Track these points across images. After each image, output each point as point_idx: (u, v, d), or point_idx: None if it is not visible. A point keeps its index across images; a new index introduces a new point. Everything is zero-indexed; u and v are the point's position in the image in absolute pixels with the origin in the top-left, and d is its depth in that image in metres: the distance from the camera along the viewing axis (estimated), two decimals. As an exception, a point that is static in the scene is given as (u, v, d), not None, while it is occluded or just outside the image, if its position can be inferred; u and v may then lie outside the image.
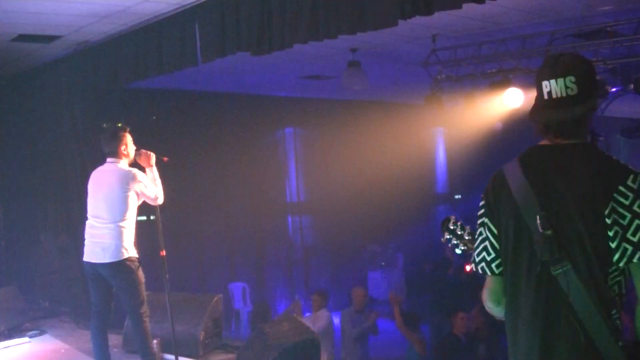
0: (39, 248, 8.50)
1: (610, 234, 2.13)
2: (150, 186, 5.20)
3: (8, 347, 6.54)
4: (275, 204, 11.77)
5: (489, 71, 7.68)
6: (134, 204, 5.14)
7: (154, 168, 5.32)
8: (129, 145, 5.25)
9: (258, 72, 9.07)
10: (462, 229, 2.78)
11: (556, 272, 2.16)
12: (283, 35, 5.14)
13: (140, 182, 5.12)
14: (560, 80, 2.26)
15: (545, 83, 2.29)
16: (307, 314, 8.49)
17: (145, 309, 5.14)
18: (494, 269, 2.37)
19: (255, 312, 10.34)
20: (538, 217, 2.20)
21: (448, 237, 2.81)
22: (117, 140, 5.20)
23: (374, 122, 11.94)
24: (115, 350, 5.98)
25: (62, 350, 6.53)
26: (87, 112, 7.55)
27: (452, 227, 2.80)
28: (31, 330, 7.06)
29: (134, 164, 5.30)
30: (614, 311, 2.16)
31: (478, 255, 2.41)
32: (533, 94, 2.39)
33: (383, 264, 12.58)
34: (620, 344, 2.12)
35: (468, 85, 8.03)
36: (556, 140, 2.29)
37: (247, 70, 8.80)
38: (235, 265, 10.52)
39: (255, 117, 10.97)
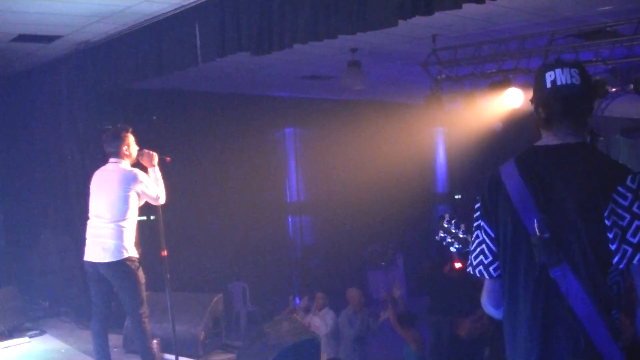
0: (39, 248, 8.50)
1: (610, 235, 2.12)
2: (151, 186, 5.20)
3: (8, 347, 6.53)
4: (275, 204, 11.77)
5: (489, 71, 7.68)
6: (135, 204, 5.14)
7: (156, 168, 5.32)
8: (131, 145, 5.26)
9: (258, 72, 9.08)
10: (457, 226, 2.75)
11: (555, 274, 2.15)
12: (283, 35, 5.14)
13: (141, 182, 5.13)
14: (566, 70, 2.29)
15: (549, 73, 2.30)
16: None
17: (145, 309, 5.14)
18: (492, 272, 2.35)
19: (255, 312, 10.37)
20: (536, 219, 2.19)
21: (443, 235, 2.78)
22: (119, 140, 5.21)
23: (374, 122, 11.95)
24: (115, 350, 5.97)
25: (62, 350, 6.53)
26: (87, 112, 7.54)
27: (446, 225, 2.77)
28: (31, 330, 7.06)
29: (137, 164, 5.31)
30: (614, 312, 2.15)
31: (475, 258, 2.39)
32: (533, 94, 2.40)
33: (383, 264, 12.57)
34: (620, 345, 2.11)
35: (468, 85, 8.03)
36: (556, 134, 2.28)
37: (247, 70, 8.81)
38: (235, 265, 10.52)
39: (255, 117, 10.97)
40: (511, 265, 2.28)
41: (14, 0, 5.57)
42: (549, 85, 2.29)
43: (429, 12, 4.31)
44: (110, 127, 5.34)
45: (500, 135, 10.15)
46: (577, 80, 2.27)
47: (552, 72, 2.29)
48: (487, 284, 2.40)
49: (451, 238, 2.74)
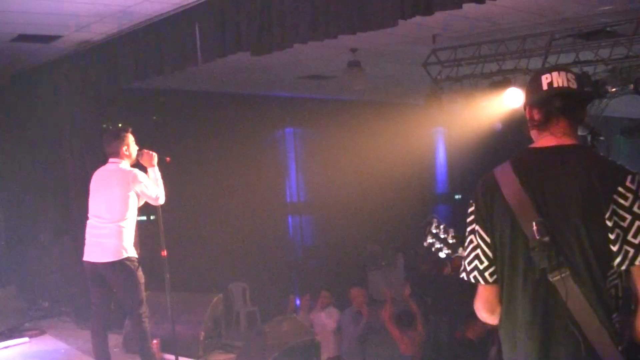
0: (39, 248, 8.50)
1: (612, 237, 2.09)
2: (151, 186, 5.20)
3: (8, 347, 6.53)
4: (275, 204, 11.77)
5: (489, 71, 7.68)
6: (134, 204, 5.15)
7: (156, 168, 5.32)
8: (130, 145, 5.26)
9: (258, 72, 9.08)
10: (446, 231, 2.65)
11: (554, 278, 2.12)
12: (283, 35, 5.14)
13: (140, 182, 5.13)
14: (562, 74, 2.27)
15: (545, 75, 2.28)
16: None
17: (144, 309, 5.14)
18: (487, 277, 2.30)
19: (255, 312, 10.37)
20: (534, 223, 2.15)
21: (431, 240, 2.69)
22: (119, 140, 5.21)
23: (374, 122, 11.94)
24: (115, 350, 5.98)
25: (62, 350, 6.52)
26: (87, 112, 7.54)
27: (434, 231, 2.67)
28: (31, 330, 7.06)
29: (136, 164, 5.31)
30: (614, 315, 2.13)
31: (469, 263, 2.33)
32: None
33: (383, 264, 12.56)
34: (620, 348, 2.09)
35: (468, 85, 8.03)
36: (553, 134, 2.26)
37: (247, 70, 8.80)
38: (235, 265, 10.51)
39: (255, 117, 10.96)
40: (509, 270, 2.24)
41: (14, 0, 5.57)
42: (545, 87, 2.27)
43: (429, 12, 4.31)
44: (110, 127, 5.34)
45: (500, 135, 10.15)
46: (573, 85, 2.26)
47: (548, 75, 2.28)
48: (482, 289, 2.34)
49: (440, 243, 2.65)
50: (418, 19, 4.58)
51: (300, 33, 5.04)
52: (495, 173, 2.30)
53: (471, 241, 2.34)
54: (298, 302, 9.14)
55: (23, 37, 6.68)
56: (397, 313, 7.84)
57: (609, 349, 2.07)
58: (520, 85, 7.41)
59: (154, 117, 9.72)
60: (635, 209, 2.09)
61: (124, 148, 5.22)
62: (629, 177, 2.13)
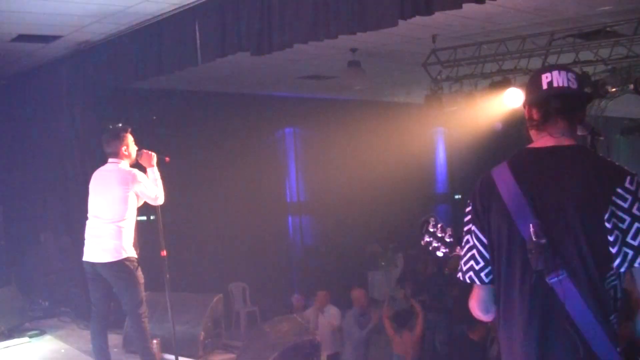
0: (39, 248, 8.50)
1: (611, 238, 2.07)
2: (150, 187, 5.20)
3: (8, 347, 6.53)
4: (275, 204, 11.77)
5: (489, 71, 7.68)
6: (133, 204, 5.14)
7: (155, 168, 5.32)
8: (130, 145, 5.26)
9: (258, 72, 9.08)
10: (443, 231, 2.63)
11: (552, 280, 2.10)
12: (283, 35, 5.14)
13: (140, 182, 5.13)
14: (563, 73, 2.25)
15: (545, 75, 2.26)
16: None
17: (144, 309, 5.14)
18: (483, 278, 2.29)
19: (255, 312, 10.37)
20: (531, 224, 2.13)
21: (428, 239, 2.67)
22: (118, 140, 5.20)
23: (374, 122, 11.94)
24: (115, 350, 5.98)
25: (62, 350, 6.52)
26: (87, 112, 7.54)
27: (432, 230, 2.65)
28: (31, 330, 7.06)
29: (136, 164, 5.30)
30: (612, 317, 2.12)
31: (465, 263, 2.32)
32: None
33: (383, 264, 12.57)
34: (618, 349, 2.08)
35: (468, 85, 8.03)
36: (551, 134, 2.24)
37: (247, 70, 8.80)
38: (235, 265, 10.51)
39: (255, 117, 10.97)
40: (506, 271, 2.23)
41: (14, 0, 5.57)
42: (545, 86, 2.25)
43: (429, 12, 4.31)
44: (110, 127, 5.34)
45: (500, 135, 10.16)
46: (574, 85, 2.24)
47: (548, 74, 2.26)
48: (477, 289, 2.34)
49: (437, 242, 2.63)
50: (418, 19, 4.58)
51: (300, 33, 5.04)
52: (492, 174, 2.29)
53: (468, 241, 2.33)
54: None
55: (23, 37, 6.68)
56: (396, 313, 7.84)
57: (607, 350, 2.06)
58: (520, 85, 7.41)
59: (154, 117, 9.72)
60: (634, 210, 2.08)
61: (124, 148, 5.22)
62: (628, 178, 2.12)
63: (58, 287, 8.11)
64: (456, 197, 14.89)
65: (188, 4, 5.82)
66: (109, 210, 5.09)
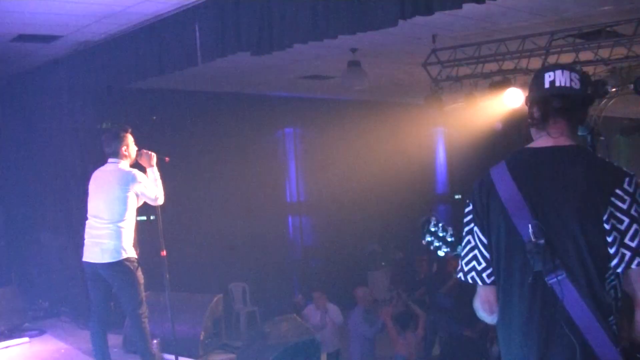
0: (39, 248, 8.49)
1: (609, 239, 2.07)
2: (150, 187, 5.20)
3: (8, 347, 6.54)
4: (275, 204, 11.76)
5: (489, 71, 7.68)
6: (133, 204, 5.14)
7: (155, 168, 5.32)
8: (130, 145, 5.26)
9: (258, 72, 9.07)
10: (444, 230, 2.65)
11: (551, 281, 2.10)
12: (283, 35, 5.14)
13: (140, 182, 5.13)
14: (566, 72, 2.25)
15: (548, 73, 2.26)
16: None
17: (144, 309, 5.14)
18: (485, 278, 2.29)
19: (255, 312, 10.37)
20: (530, 225, 2.13)
21: (429, 239, 2.68)
22: (118, 141, 5.21)
23: (374, 122, 11.94)
24: (115, 350, 5.98)
25: (62, 350, 6.53)
26: (87, 112, 7.54)
27: (433, 229, 2.66)
28: (31, 330, 7.06)
29: (135, 164, 5.30)
30: (611, 317, 2.12)
31: (467, 264, 2.32)
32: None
33: (383, 264, 12.56)
34: (619, 350, 2.07)
35: (468, 85, 8.03)
36: (550, 134, 2.23)
37: (247, 70, 8.80)
38: (235, 265, 10.51)
39: (255, 117, 10.96)
40: (505, 271, 2.23)
41: (14, 0, 5.56)
42: (547, 85, 2.25)
43: (429, 12, 4.31)
44: (110, 127, 5.34)
45: (500, 135, 10.16)
46: (576, 85, 2.23)
47: (551, 73, 2.25)
48: (480, 290, 2.34)
49: (438, 242, 2.64)
50: (418, 19, 4.58)
51: (300, 33, 5.04)
52: (491, 173, 2.28)
53: (469, 242, 2.32)
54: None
55: (23, 37, 6.68)
56: (398, 313, 7.85)
57: (607, 350, 2.06)
58: (520, 85, 7.42)
59: (154, 117, 9.71)
60: (632, 211, 2.08)
61: (124, 148, 5.22)
62: (627, 180, 2.12)
63: (58, 287, 8.11)
64: (456, 197, 14.88)
65: (188, 4, 5.82)
66: (108, 211, 5.09)
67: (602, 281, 2.11)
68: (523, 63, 7.32)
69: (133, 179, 5.11)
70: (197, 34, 5.86)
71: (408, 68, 8.90)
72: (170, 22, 6.12)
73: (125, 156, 5.23)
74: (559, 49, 7.05)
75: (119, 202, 5.07)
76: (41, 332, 7.08)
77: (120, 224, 5.05)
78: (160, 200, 5.29)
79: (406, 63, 8.70)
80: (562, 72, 2.24)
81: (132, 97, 8.93)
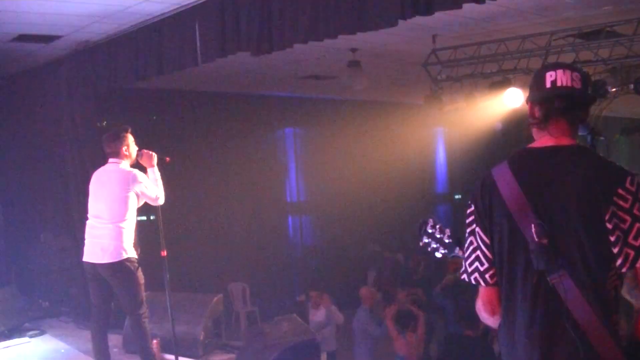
0: (39, 248, 8.49)
1: (612, 239, 2.07)
2: (150, 187, 5.19)
3: (8, 347, 6.53)
4: (275, 204, 11.77)
5: (489, 71, 7.68)
6: (134, 204, 5.14)
7: (155, 168, 5.31)
8: (130, 146, 5.25)
9: (258, 72, 9.08)
10: (442, 231, 2.62)
11: (554, 280, 2.10)
12: (283, 35, 5.14)
13: (140, 182, 5.12)
14: (567, 72, 2.23)
15: (550, 73, 2.24)
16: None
17: (144, 309, 5.14)
18: (488, 279, 2.28)
19: (255, 312, 10.37)
20: (533, 225, 2.12)
21: (427, 240, 2.65)
22: (118, 141, 5.20)
23: (374, 122, 11.95)
24: (115, 350, 5.97)
25: (62, 350, 6.52)
26: (87, 112, 7.54)
27: (430, 231, 2.63)
28: (31, 330, 7.06)
29: (136, 164, 5.30)
30: (614, 316, 2.11)
31: (470, 265, 2.31)
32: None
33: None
34: (621, 349, 2.07)
35: (468, 85, 8.03)
36: (552, 134, 2.23)
37: (247, 70, 8.81)
38: (235, 265, 10.52)
39: (255, 117, 10.98)
40: (508, 272, 2.22)
41: (14, 0, 5.57)
42: (548, 85, 2.24)
43: (429, 12, 4.31)
44: (110, 127, 5.34)
45: (500, 135, 10.17)
46: (577, 85, 2.23)
47: (553, 72, 2.24)
48: (483, 290, 2.32)
49: (436, 243, 2.62)
50: (418, 19, 4.58)
51: (300, 33, 5.04)
52: (493, 173, 2.27)
53: (471, 242, 2.31)
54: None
55: (23, 37, 6.68)
56: (399, 313, 7.85)
57: (609, 349, 2.06)
58: (520, 85, 7.42)
59: (154, 117, 9.72)
60: (635, 210, 2.07)
61: (124, 148, 5.21)
62: (629, 179, 2.11)
63: (58, 287, 8.11)
64: (456, 197, 14.90)
65: (188, 4, 5.82)
66: (109, 211, 5.08)
67: (605, 280, 2.10)
68: (523, 63, 7.32)
69: (134, 179, 5.10)
70: (197, 34, 5.86)
71: (408, 68, 8.90)
72: (170, 22, 6.12)
73: (126, 156, 5.22)
74: (559, 49, 7.05)
75: (120, 202, 5.06)
76: (41, 332, 7.08)
77: (121, 224, 5.05)
78: (161, 200, 5.28)
79: (406, 63, 8.70)
80: (564, 72, 2.23)
81: (132, 97, 8.94)
